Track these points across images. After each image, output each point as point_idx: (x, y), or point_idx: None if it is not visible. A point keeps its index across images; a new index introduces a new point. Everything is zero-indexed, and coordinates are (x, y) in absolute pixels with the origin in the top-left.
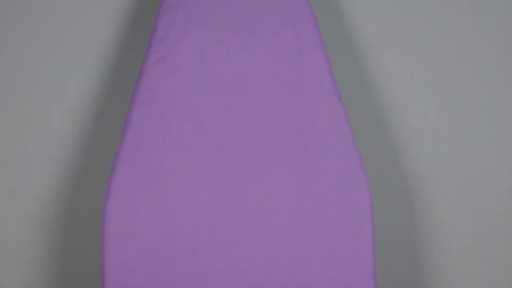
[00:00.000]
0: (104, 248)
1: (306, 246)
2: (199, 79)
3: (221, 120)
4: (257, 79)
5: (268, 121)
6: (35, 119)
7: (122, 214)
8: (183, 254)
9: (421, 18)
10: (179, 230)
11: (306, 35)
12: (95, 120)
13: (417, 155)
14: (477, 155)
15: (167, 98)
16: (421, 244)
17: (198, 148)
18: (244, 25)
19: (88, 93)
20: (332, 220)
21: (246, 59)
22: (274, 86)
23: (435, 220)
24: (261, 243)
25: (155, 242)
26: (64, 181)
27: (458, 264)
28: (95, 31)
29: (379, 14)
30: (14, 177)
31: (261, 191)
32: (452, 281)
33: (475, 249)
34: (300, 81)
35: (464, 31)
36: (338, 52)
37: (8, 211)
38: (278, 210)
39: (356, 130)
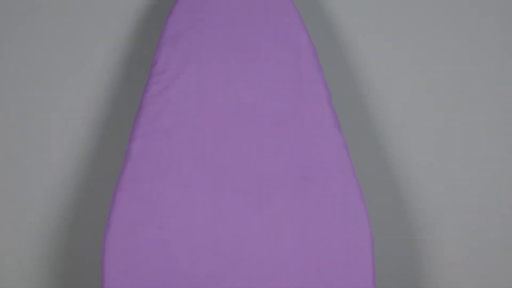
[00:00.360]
0: (104, 279)
1: (305, 278)
2: (199, 111)
3: (221, 151)
4: (257, 110)
5: (268, 152)
6: (36, 150)
7: (122, 245)
8: (183, 285)
9: (423, 52)
10: (179, 261)
11: (306, 67)
12: (96, 151)
13: (417, 186)
14: (479, 188)
15: (167, 129)
16: (422, 276)
17: (198, 179)
18: (244, 56)
19: (89, 124)
20: (332, 252)
21: (246, 90)
22: (274, 117)
23: (436, 252)
24: (260, 275)
25: (155, 273)
26: (64, 213)
27: None
28: (96, 62)
29: (379, 46)
30: (14, 211)
31: (261, 223)
32: None
33: (476, 279)
34: (300, 112)
35: (462, 67)
36: (338, 83)
37: (7, 248)
38: (278, 241)
39: (356, 161)
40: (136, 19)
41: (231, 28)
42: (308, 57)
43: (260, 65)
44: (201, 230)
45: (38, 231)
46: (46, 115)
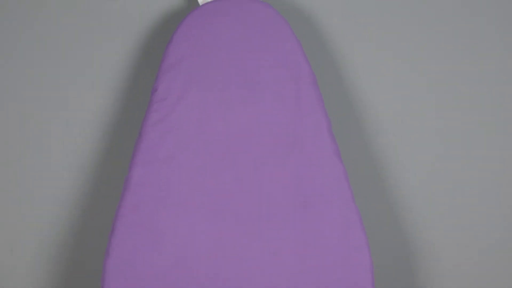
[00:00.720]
0: None
1: None
2: (200, 138)
3: (221, 178)
4: (257, 137)
5: (268, 180)
6: (37, 176)
7: (121, 273)
8: None
9: (423, 81)
10: None
11: (306, 95)
12: (96, 179)
13: (417, 216)
14: (478, 224)
15: (167, 157)
16: None
17: (198, 206)
18: (244, 84)
19: (89, 152)
20: (332, 279)
21: (246, 117)
22: (274, 144)
23: (436, 281)
24: None
25: None
26: (65, 240)
27: None
28: (96, 91)
29: (379, 75)
30: (13, 235)
31: (261, 250)
32: None
33: None
34: (300, 140)
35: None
36: (337, 111)
37: (7, 269)
38: (278, 269)
39: (356, 189)
40: (136, 46)
41: (231, 55)
42: (308, 85)
43: (260, 92)
44: (201, 256)
45: (39, 256)
46: (46, 142)
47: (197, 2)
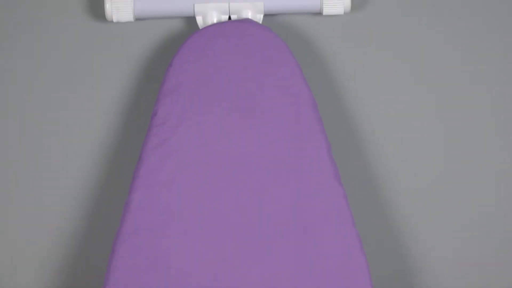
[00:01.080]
0: None
1: None
2: (199, 162)
3: (221, 203)
4: (257, 161)
5: (268, 203)
6: (36, 205)
7: None
8: None
9: (424, 106)
10: None
11: (306, 119)
12: (96, 202)
13: (418, 238)
14: (479, 248)
15: (167, 181)
16: None
17: (198, 232)
18: (244, 108)
19: (89, 176)
20: None
21: (246, 141)
22: (274, 168)
23: None
24: None
25: None
26: (64, 264)
27: None
28: (96, 114)
29: (379, 99)
30: (14, 258)
31: (261, 275)
32: None
33: None
34: (300, 163)
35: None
36: (337, 135)
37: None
38: None
39: (356, 212)
40: (137, 69)
41: (231, 79)
42: (307, 108)
43: (260, 116)
44: (201, 281)
45: (38, 280)
46: (46, 166)
47: (197, 25)
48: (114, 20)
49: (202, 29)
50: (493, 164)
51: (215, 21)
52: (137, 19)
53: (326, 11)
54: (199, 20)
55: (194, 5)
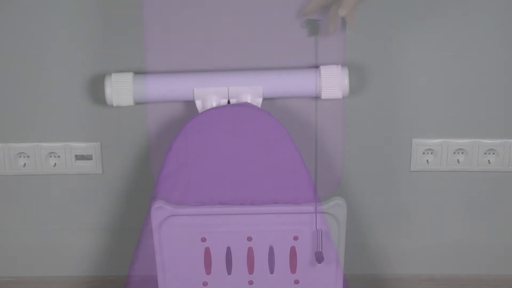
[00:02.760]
0: None
1: None
2: (198, 249)
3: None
4: (257, 251)
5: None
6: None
7: None
8: None
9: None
10: None
11: (305, 201)
12: None
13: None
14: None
15: (163, 265)
16: None
17: None
18: (244, 194)
19: (86, 263)
20: None
21: (246, 228)
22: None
23: None
24: None
25: None
26: None
27: None
28: (95, 209)
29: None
30: None
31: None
32: None
33: None
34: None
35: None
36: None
37: None
38: None
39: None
40: (135, 152)
41: (230, 164)
42: (307, 193)
43: (260, 202)
44: None
45: None
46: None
47: (196, 109)
48: (115, 104)
49: (201, 113)
50: None
51: (214, 105)
52: (137, 103)
53: (325, 95)
54: (199, 104)
55: (193, 89)
